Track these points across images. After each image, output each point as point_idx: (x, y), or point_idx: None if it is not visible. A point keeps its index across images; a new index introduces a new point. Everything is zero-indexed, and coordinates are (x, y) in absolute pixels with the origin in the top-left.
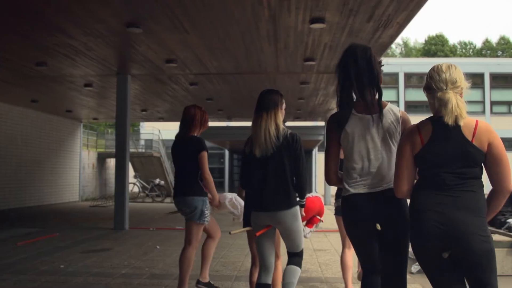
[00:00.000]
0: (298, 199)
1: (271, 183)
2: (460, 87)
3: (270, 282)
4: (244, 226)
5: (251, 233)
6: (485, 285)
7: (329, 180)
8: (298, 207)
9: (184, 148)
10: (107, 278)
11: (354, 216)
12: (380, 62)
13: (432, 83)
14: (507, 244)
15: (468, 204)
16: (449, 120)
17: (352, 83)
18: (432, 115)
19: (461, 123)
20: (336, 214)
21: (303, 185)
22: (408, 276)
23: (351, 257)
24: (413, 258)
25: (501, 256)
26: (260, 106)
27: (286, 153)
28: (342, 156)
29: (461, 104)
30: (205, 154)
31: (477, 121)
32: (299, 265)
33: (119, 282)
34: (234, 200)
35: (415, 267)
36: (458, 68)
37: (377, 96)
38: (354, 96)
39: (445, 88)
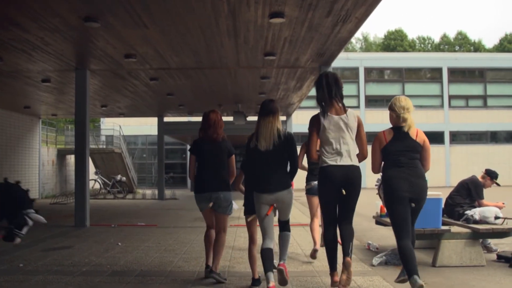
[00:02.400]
0: None
1: (276, 171)
2: (410, 111)
3: (272, 247)
4: (246, 211)
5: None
6: (416, 218)
7: (311, 157)
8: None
9: (217, 150)
10: (67, 276)
11: (327, 179)
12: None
13: (395, 107)
14: (465, 236)
15: (419, 174)
16: (406, 128)
17: (325, 94)
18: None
19: (410, 131)
20: (307, 193)
21: (295, 171)
22: (369, 269)
23: (318, 223)
24: (374, 251)
25: (460, 247)
26: (267, 111)
27: (284, 147)
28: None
29: (412, 120)
30: (234, 157)
31: (417, 129)
32: (289, 229)
33: (80, 280)
34: None
35: (376, 260)
36: (409, 99)
37: (340, 104)
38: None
39: (403, 111)
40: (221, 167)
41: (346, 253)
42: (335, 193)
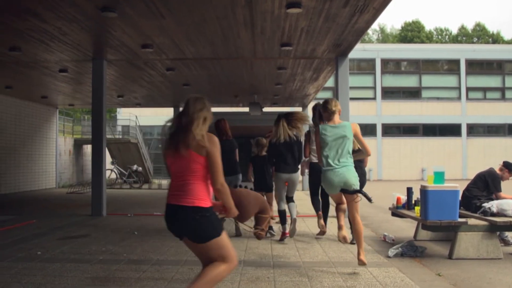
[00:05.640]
0: None
1: (293, 159)
2: (338, 106)
3: (284, 208)
4: (257, 189)
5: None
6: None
7: (305, 156)
8: None
9: (231, 147)
10: (84, 264)
11: (315, 171)
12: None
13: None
14: (482, 228)
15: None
16: None
17: (317, 119)
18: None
19: None
20: None
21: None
22: (385, 260)
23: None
24: (390, 242)
25: (477, 239)
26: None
27: (295, 144)
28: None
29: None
30: (237, 150)
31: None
32: (293, 201)
33: (97, 268)
34: None
35: (392, 251)
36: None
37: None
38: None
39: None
40: (234, 157)
41: (325, 220)
42: (319, 179)
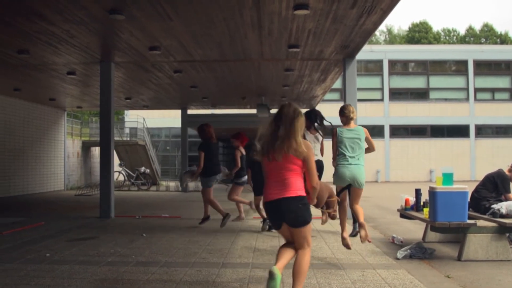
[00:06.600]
0: None
1: None
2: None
3: None
4: (256, 193)
5: None
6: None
7: None
8: None
9: (217, 149)
10: (93, 266)
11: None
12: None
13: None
14: (491, 230)
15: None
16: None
17: (310, 123)
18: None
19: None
20: (241, 184)
21: None
22: (394, 262)
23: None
24: (399, 244)
25: (486, 241)
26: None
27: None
28: None
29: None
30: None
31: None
32: None
33: (105, 270)
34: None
35: (400, 253)
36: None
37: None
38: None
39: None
40: (218, 158)
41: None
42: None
